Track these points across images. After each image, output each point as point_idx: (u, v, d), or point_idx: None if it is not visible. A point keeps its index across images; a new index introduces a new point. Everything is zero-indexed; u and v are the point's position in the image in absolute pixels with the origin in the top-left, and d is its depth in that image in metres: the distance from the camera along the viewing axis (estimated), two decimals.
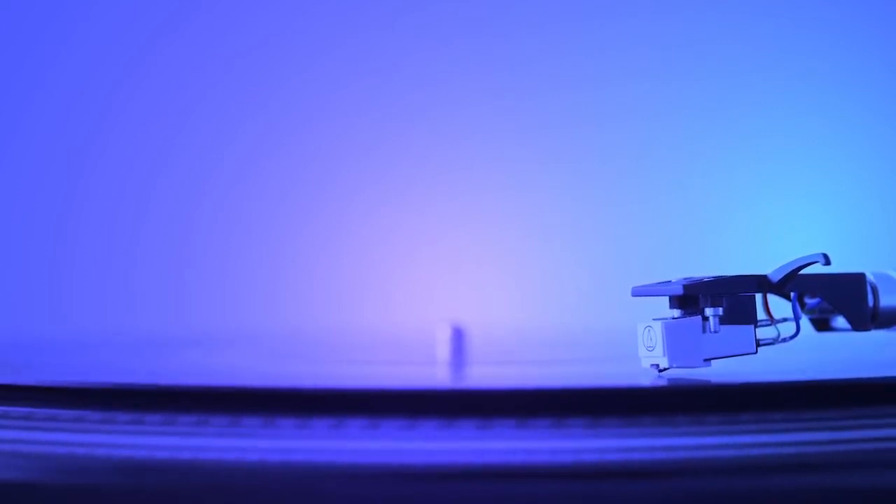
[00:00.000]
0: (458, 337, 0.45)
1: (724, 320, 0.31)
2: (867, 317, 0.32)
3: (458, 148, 0.75)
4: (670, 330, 0.31)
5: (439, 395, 0.28)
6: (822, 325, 0.34)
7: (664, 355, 0.31)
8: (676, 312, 0.31)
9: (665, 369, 0.31)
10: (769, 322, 0.32)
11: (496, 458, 0.25)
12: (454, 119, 0.75)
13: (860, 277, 0.32)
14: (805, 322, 0.33)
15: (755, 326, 0.31)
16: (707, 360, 0.31)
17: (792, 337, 0.32)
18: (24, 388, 0.30)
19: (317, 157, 0.75)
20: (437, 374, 0.39)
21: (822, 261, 0.31)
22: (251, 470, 0.24)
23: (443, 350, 0.44)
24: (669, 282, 0.31)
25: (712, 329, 0.31)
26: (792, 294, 0.32)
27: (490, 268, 0.74)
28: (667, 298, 0.31)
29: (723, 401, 0.28)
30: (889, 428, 0.27)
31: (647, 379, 0.30)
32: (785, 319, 0.32)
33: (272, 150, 0.76)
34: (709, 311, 0.31)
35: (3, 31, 0.76)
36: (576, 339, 0.57)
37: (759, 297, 0.31)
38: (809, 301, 0.33)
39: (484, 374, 0.39)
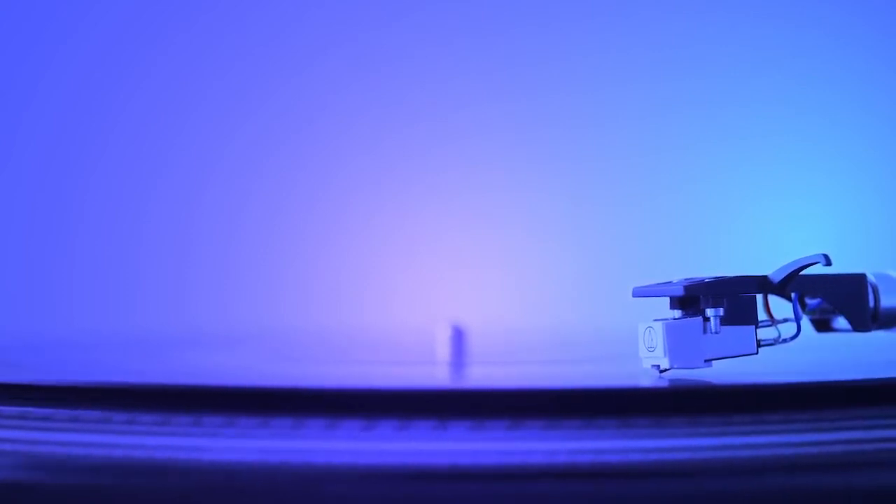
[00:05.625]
0: (458, 337, 0.45)
1: (724, 321, 0.31)
2: (868, 317, 0.32)
3: (458, 148, 0.75)
4: (671, 330, 0.31)
5: (438, 395, 0.28)
6: (822, 325, 0.34)
7: (665, 356, 0.31)
8: (677, 313, 0.31)
9: (666, 370, 0.31)
10: (770, 323, 0.32)
11: (495, 459, 0.25)
12: (454, 119, 0.75)
13: (861, 278, 0.32)
14: (806, 323, 0.33)
15: (756, 327, 0.31)
16: (708, 361, 0.31)
17: (793, 338, 0.32)
18: (21, 386, 0.29)
19: (317, 157, 0.75)
20: (436, 374, 0.39)
21: (823, 261, 0.31)
22: (247, 470, 0.24)
23: (443, 350, 0.44)
24: (670, 282, 0.31)
25: (713, 330, 0.31)
26: (793, 295, 0.32)
27: (490, 268, 0.74)
28: (667, 299, 0.31)
29: (723, 401, 0.28)
30: (889, 428, 0.27)
31: (648, 379, 0.30)
32: (786, 320, 0.32)
33: (272, 149, 0.75)
34: (710, 312, 0.31)
35: (3, 32, 0.76)
36: (576, 339, 0.57)
37: (759, 297, 0.31)
38: (810, 302, 0.33)
39: (483, 375, 0.39)
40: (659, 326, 0.31)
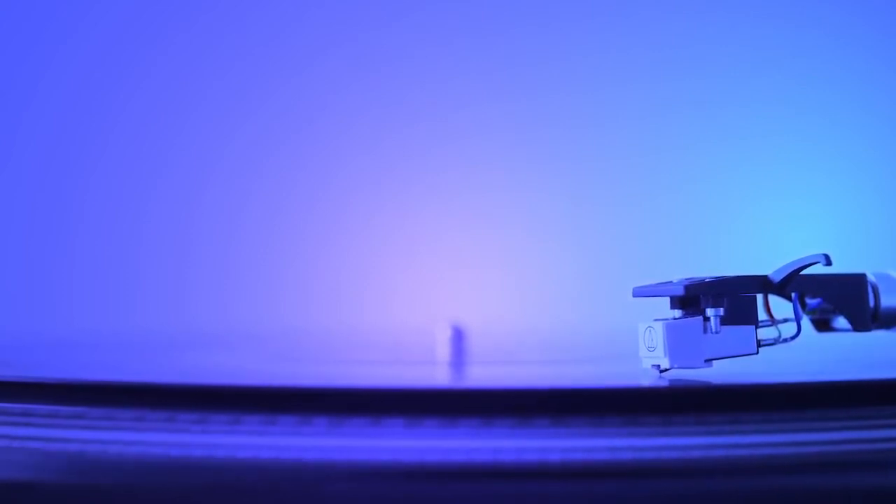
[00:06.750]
0: (458, 337, 0.45)
1: (725, 321, 0.31)
2: (868, 317, 0.32)
3: (458, 148, 0.75)
4: (671, 330, 0.31)
5: (438, 395, 0.28)
6: (822, 325, 0.34)
7: (665, 356, 0.31)
8: (678, 313, 0.31)
9: (666, 370, 0.31)
10: (770, 322, 0.32)
11: (493, 457, 0.25)
12: (454, 119, 0.75)
13: (861, 278, 0.32)
14: (806, 322, 0.33)
15: (756, 327, 0.31)
16: (708, 361, 0.31)
17: (793, 337, 0.32)
18: (21, 385, 0.30)
19: (317, 157, 0.75)
20: (436, 374, 0.39)
21: (823, 261, 0.31)
22: (249, 468, 0.24)
23: (443, 350, 0.44)
24: (671, 282, 0.31)
25: (713, 329, 0.31)
26: (793, 294, 0.32)
27: (490, 268, 0.74)
28: (668, 299, 0.31)
29: (724, 401, 0.28)
30: (889, 428, 0.27)
31: (648, 379, 0.30)
32: (786, 320, 0.32)
33: (272, 149, 0.76)
34: (710, 312, 0.31)
35: (3, 31, 0.76)
36: (576, 339, 0.57)
37: (759, 297, 0.31)
38: (810, 301, 0.33)
39: (483, 374, 0.39)
40: (659, 326, 0.31)
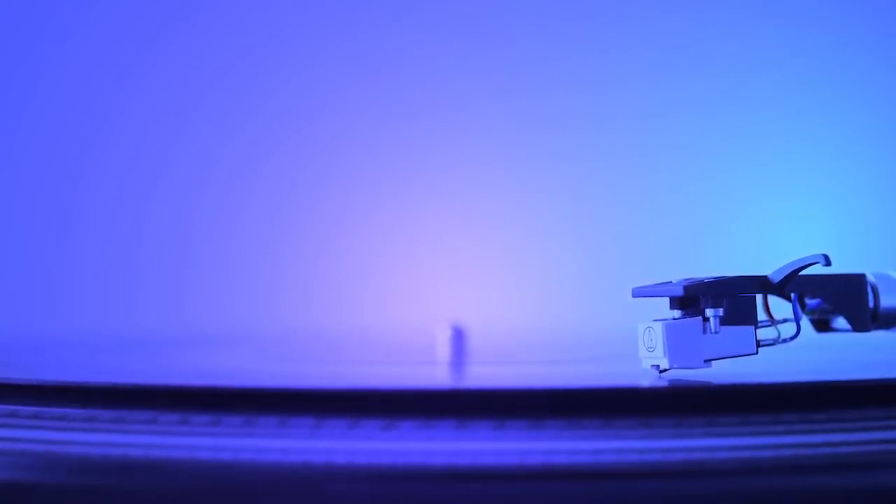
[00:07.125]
0: (458, 337, 0.45)
1: (724, 321, 0.31)
2: (867, 317, 0.32)
3: (458, 148, 0.75)
4: (671, 331, 0.31)
5: (439, 396, 0.28)
6: (822, 325, 0.34)
7: (664, 356, 0.31)
8: (677, 313, 0.31)
9: (665, 370, 0.31)
10: (769, 323, 0.32)
11: (491, 459, 0.25)
12: (454, 119, 0.75)
13: (860, 278, 0.32)
14: (805, 323, 0.33)
15: (755, 327, 0.31)
16: (707, 361, 0.31)
17: (792, 338, 0.32)
18: (21, 386, 0.29)
19: (317, 157, 0.75)
20: (435, 374, 0.39)
21: (823, 261, 0.31)
22: (249, 469, 0.24)
23: (443, 350, 0.44)
24: (670, 282, 0.31)
25: (713, 330, 0.31)
26: (792, 295, 0.32)
27: (490, 268, 0.74)
28: (667, 299, 0.31)
29: (723, 402, 0.28)
30: (889, 430, 0.27)
31: (648, 379, 0.30)
32: (785, 320, 0.32)
33: (272, 149, 0.76)
34: (709, 312, 0.31)
35: (3, 32, 0.76)
36: (576, 339, 0.57)
37: (759, 297, 0.31)
38: (810, 302, 0.33)
39: (483, 375, 0.39)
40: (658, 326, 0.31)
